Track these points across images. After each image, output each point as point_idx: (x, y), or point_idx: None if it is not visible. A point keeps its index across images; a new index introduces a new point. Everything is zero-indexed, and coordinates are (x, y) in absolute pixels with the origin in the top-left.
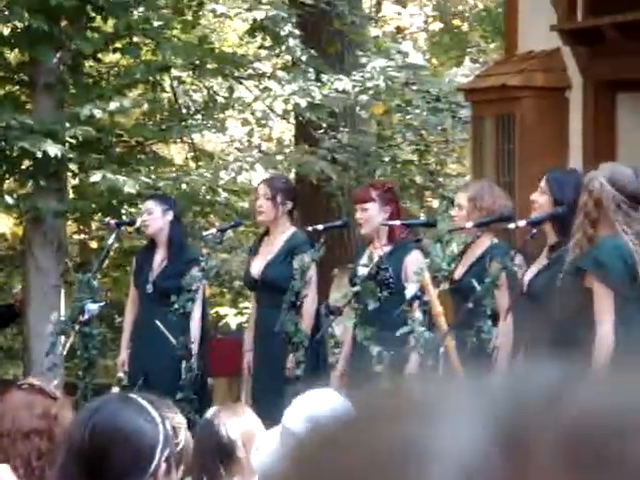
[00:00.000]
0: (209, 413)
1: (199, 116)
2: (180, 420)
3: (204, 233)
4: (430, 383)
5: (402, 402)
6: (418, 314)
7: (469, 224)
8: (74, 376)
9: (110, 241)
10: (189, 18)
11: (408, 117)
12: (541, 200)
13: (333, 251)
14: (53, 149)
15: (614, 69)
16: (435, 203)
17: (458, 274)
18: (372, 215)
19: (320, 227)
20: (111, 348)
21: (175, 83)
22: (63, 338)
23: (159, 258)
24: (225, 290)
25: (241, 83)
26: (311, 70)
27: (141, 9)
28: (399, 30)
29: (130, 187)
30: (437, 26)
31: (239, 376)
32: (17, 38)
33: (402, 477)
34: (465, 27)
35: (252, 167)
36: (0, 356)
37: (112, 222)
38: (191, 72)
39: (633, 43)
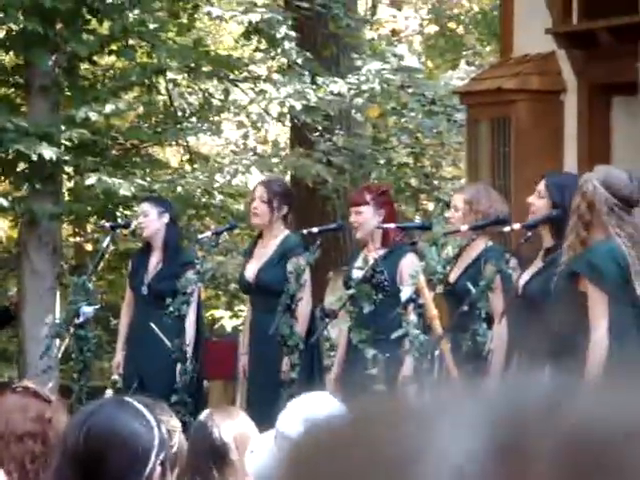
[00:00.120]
0: (202, 415)
1: (194, 119)
2: (175, 423)
3: (199, 236)
4: (428, 388)
5: (400, 408)
6: (413, 317)
7: (464, 227)
8: (69, 379)
9: (105, 244)
10: (184, 21)
11: (403, 120)
12: (539, 204)
13: (328, 254)
14: (48, 152)
15: (609, 72)
16: (430, 206)
17: (453, 277)
18: (366, 218)
19: (315, 230)
20: (106, 350)
21: (170, 86)
22: (58, 341)
23: (154, 261)
24: (220, 293)
25: (236, 86)
26: (306, 73)
27: (136, 12)
28: (394, 33)
29: (125, 190)
30: (432, 29)
31: (234, 379)
32: (12, 41)
33: None
34: (460, 30)
35: (247, 170)
36: None
37: (107, 225)
38: (186, 75)
39: (628, 46)
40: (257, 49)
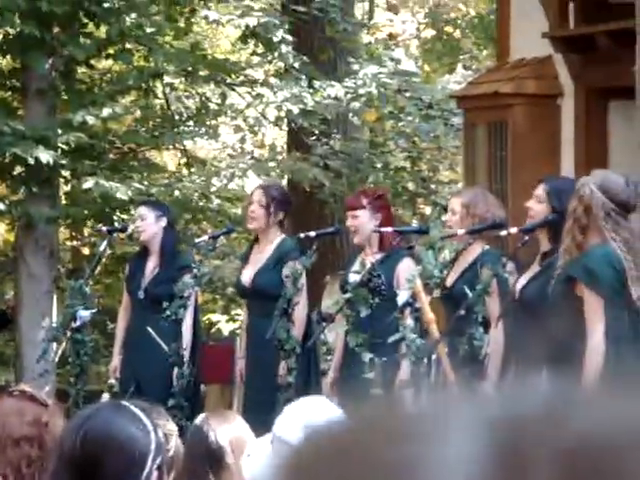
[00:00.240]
0: (198, 419)
1: (191, 123)
2: (171, 427)
3: (196, 240)
4: (426, 393)
5: (399, 414)
6: (410, 321)
7: (461, 231)
8: (66, 383)
9: (102, 247)
10: (182, 25)
11: (400, 124)
12: (538, 208)
13: (325, 258)
14: (45, 155)
15: (606, 76)
16: (427, 210)
17: (450, 281)
18: (363, 222)
19: (312, 234)
20: (103, 354)
21: (167, 89)
22: (55, 344)
23: (151, 265)
24: (217, 297)
25: (233, 90)
26: (303, 77)
27: (133, 15)
28: (391, 37)
29: (122, 194)
30: (429, 33)
31: (231, 383)
32: (9, 44)
33: None
34: (457, 34)
35: (244, 174)
36: None
37: (104, 228)
38: (183, 78)
39: (625, 51)
40: (254, 53)
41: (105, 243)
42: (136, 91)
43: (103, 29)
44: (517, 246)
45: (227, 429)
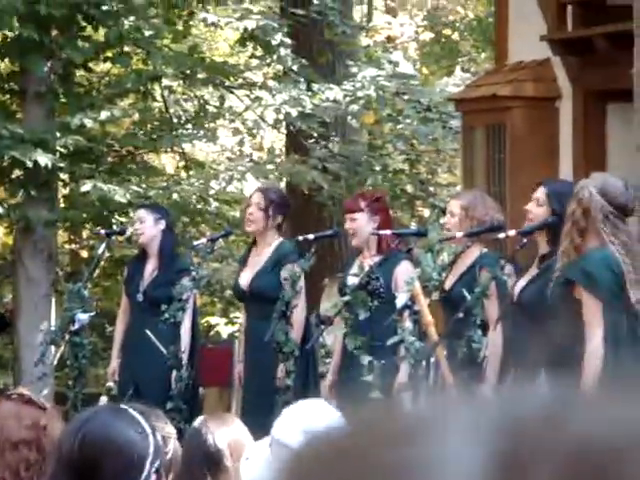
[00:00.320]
0: (197, 422)
1: (190, 125)
2: (170, 430)
3: (195, 242)
4: (425, 396)
5: (399, 418)
6: (408, 324)
7: (459, 234)
8: (64, 386)
9: (100, 250)
10: (180, 28)
11: (399, 127)
12: (538, 212)
13: (324, 260)
14: (43, 158)
15: (604, 79)
16: (426, 212)
17: (448, 284)
18: (361, 225)
19: (311, 237)
20: (102, 357)
21: (166, 92)
22: (53, 348)
23: (150, 267)
24: (216, 299)
25: (232, 92)
26: (302, 80)
27: (132, 18)
28: (390, 40)
29: (121, 197)
30: (428, 36)
31: (230, 386)
32: (7, 47)
33: None
34: (456, 37)
35: (243, 177)
36: None
37: (103, 231)
38: (182, 81)
39: (623, 53)
40: (253, 56)
41: (103, 246)
42: (134, 94)
43: (101, 32)
44: (515, 249)
45: (225, 432)
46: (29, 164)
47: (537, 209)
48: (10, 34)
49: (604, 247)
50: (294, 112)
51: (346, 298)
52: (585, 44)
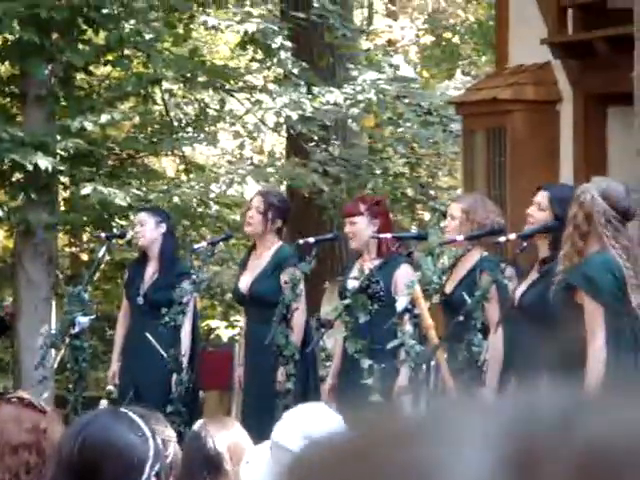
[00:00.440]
0: (196, 425)
1: (190, 129)
2: (170, 433)
3: (195, 246)
4: (428, 400)
5: (404, 424)
6: (409, 327)
7: (460, 237)
8: (64, 389)
9: (101, 254)
10: (180, 31)
11: (399, 130)
12: (539, 216)
13: (324, 264)
14: (44, 162)
15: (605, 82)
16: (426, 216)
17: (449, 287)
18: (360, 229)
19: (311, 240)
20: (102, 361)
21: (166, 96)
22: (53, 351)
23: (150, 270)
24: (216, 303)
25: (232, 96)
26: (302, 83)
27: (132, 22)
28: (390, 43)
29: (121, 200)
30: (428, 39)
31: (230, 389)
32: (8, 51)
33: None
34: (456, 40)
35: (243, 180)
36: None
37: (103, 235)
38: (182, 85)
39: (623, 57)
40: (253, 59)
41: (104, 249)
42: (135, 97)
43: (102, 35)
44: (516, 252)
45: (225, 435)
46: (29, 167)
47: (539, 214)
48: (11, 37)
49: (605, 251)
50: (294, 115)
51: (346, 301)
52: (586, 47)
